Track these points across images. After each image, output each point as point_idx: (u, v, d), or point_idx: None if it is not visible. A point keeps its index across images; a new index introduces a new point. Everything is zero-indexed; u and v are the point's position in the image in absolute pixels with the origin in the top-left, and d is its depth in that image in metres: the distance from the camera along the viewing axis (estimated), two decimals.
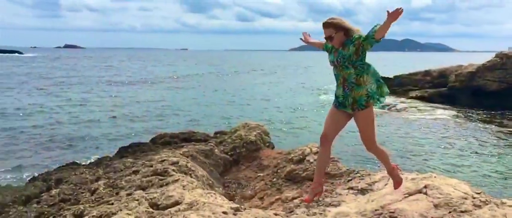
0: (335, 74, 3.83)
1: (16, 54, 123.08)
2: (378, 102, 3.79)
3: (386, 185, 4.44)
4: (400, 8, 3.40)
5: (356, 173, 5.21)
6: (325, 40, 3.89)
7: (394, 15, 3.38)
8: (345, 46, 3.68)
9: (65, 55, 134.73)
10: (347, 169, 5.42)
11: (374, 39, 3.59)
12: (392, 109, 22.69)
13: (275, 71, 65.41)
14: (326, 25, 3.76)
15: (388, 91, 3.86)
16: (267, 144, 8.16)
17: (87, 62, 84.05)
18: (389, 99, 26.60)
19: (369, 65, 3.77)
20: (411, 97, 26.03)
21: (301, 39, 4.40)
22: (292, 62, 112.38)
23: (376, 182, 4.69)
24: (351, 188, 4.61)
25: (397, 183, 4.08)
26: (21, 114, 19.23)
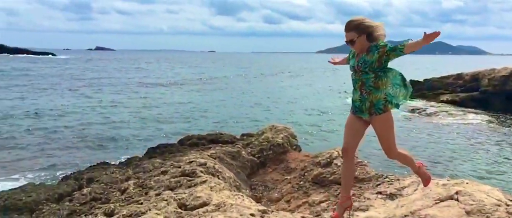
0: (353, 79, 3.75)
1: (50, 55, 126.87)
2: (397, 106, 3.71)
3: (416, 190, 4.36)
4: (438, 32, 3.33)
5: (385, 178, 5.13)
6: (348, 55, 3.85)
7: (430, 38, 3.31)
8: (369, 52, 3.60)
9: (96, 57, 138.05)
10: (375, 173, 5.34)
11: (402, 53, 3.53)
12: (422, 112, 22.24)
13: (302, 74, 65.17)
14: (347, 28, 3.69)
15: (409, 93, 3.76)
16: (294, 147, 8.13)
17: (116, 64, 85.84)
18: (418, 103, 26.15)
19: (389, 69, 3.69)
20: (442, 101, 25.45)
21: (329, 61, 4.38)
22: (319, 64, 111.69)
23: (405, 187, 4.61)
24: (380, 193, 4.54)
25: (426, 180, 3.98)
26: (54, 114, 19.79)
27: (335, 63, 4.25)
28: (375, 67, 3.59)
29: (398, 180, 4.94)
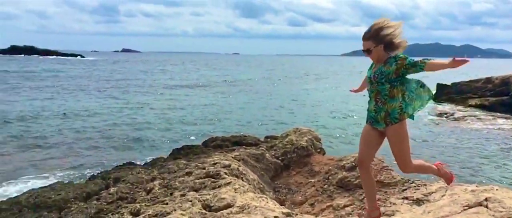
0: (368, 89, 3.69)
1: (79, 57, 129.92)
2: (412, 116, 3.63)
3: (443, 196, 4.27)
4: (468, 60, 3.24)
5: (411, 183, 5.05)
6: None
7: (458, 63, 3.23)
8: (387, 63, 3.52)
9: (123, 59, 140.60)
10: (401, 178, 5.26)
11: (421, 70, 3.45)
12: (450, 117, 21.76)
13: (327, 76, 64.76)
14: (365, 37, 3.62)
15: (426, 101, 3.67)
16: (318, 150, 8.08)
17: (142, 66, 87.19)
18: (446, 107, 25.60)
19: (405, 78, 3.61)
20: (470, 106, 24.84)
21: (350, 91, 4.37)
22: (344, 67, 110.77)
23: (432, 192, 4.52)
24: (406, 198, 4.47)
25: (448, 179, 3.90)
26: (82, 115, 20.25)
27: (356, 91, 4.23)
28: (392, 79, 3.52)
29: (425, 185, 4.85)
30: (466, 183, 4.61)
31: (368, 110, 3.70)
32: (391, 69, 3.49)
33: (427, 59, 3.35)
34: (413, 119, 3.67)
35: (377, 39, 3.51)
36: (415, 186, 4.91)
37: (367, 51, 3.59)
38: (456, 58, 3.16)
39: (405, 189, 4.95)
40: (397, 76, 3.50)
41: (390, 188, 5.08)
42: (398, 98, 3.53)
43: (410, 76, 3.59)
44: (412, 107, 3.58)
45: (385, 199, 4.65)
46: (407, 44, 3.66)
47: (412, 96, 3.60)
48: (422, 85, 3.65)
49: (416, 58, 3.48)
